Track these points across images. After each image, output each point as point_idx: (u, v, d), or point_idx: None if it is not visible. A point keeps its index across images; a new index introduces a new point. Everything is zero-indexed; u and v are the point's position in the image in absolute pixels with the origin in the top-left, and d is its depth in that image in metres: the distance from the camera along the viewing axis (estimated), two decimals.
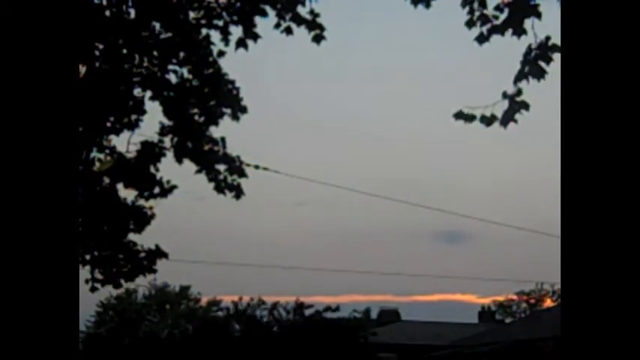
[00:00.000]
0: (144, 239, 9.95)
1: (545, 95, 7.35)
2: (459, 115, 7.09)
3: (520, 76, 6.80)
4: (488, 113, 7.00)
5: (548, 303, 54.37)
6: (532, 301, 57.25)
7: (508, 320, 52.40)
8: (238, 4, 8.36)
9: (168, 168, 9.29)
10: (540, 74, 6.75)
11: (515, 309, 58.01)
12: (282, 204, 61.22)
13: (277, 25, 8.08)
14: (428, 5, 7.41)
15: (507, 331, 35.06)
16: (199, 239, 54.40)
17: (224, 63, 8.92)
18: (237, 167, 9.33)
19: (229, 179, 9.33)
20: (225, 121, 9.13)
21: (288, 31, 8.06)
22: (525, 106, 6.91)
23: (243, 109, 9.11)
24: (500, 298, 57.72)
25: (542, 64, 6.74)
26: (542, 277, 56.30)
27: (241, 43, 8.24)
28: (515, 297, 57.60)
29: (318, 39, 8.05)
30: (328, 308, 32.44)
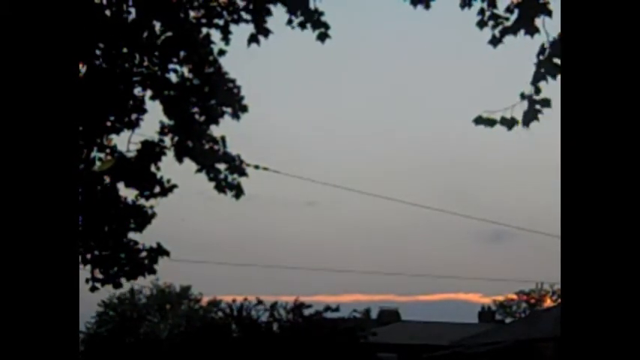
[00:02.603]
0: (148, 238, 9.96)
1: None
2: (479, 120, 6.96)
3: (538, 76, 6.75)
4: (507, 115, 6.91)
5: (548, 303, 54.39)
6: (532, 301, 57.26)
7: (508, 320, 52.40)
8: (244, 3, 8.35)
9: (176, 168, 9.28)
10: (556, 72, 6.71)
11: (515, 309, 58.02)
12: (289, 204, 61.28)
13: (289, 22, 8.03)
14: (427, 6, 7.39)
15: (507, 331, 35.05)
16: (205, 239, 54.57)
17: (224, 62, 8.93)
18: (237, 166, 9.33)
19: (230, 178, 9.33)
20: (234, 122, 9.12)
21: (303, 26, 7.99)
22: (547, 103, 6.84)
23: (244, 108, 9.11)
24: (501, 298, 57.81)
25: (557, 61, 6.70)
26: (542, 277, 56.40)
27: (253, 39, 8.20)
28: (515, 297, 57.66)
29: (322, 37, 8.02)
30: (328, 308, 32.42)
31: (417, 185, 61.29)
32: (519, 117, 6.92)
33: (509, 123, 6.93)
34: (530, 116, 6.86)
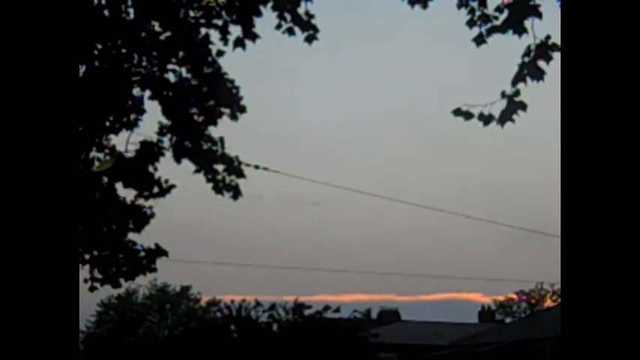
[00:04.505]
0: (147, 238, 9.93)
1: (546, 95, 7.37)
2: (458, 112, 7.10)
3: (519, 77, 6.80)
4: (486, 112, 7.01)
5: (548, 303, 54.41)
6: (532, 301, 57.25)
7: (508, 320, 52.41)
8: (237, 4, 8.34)
9: (177, 166, 9.24)
10: (539, 75, 6.75)
11: (515, 309, 58.02)
12: (290, 204, 61.35)
13: (278, 26, 8.06)
14: (425, 6, 7.40)
15: (507, 331, 35.05)
16: (206, 238, 54.64)
17: (223, 62, 8.92)
18: (235, 167, 9.30)
19: (227, 179, 9.30)
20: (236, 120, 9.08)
21: (290, 32, 8.04)
22: (523, 106, 6.91)
23: (242, 109, 9.09)
24: (501, 298, 57.82)
25: (542, 64, 6.74)
26: (542, 277, 56.44)
27: (239, 43, 8.23)
28: (515, 297, 57.66)
29: (310, 39, 8.07)
30: (327, 308, 32.37)
31: (418, 185, 61.34)
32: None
33: (486, 119, 7.01)
34: (506, 116, 6.92)
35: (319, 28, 8.02)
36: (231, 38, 8.42)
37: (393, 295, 67.73)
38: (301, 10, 7.97)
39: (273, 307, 32.73)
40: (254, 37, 8.22)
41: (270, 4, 8.08)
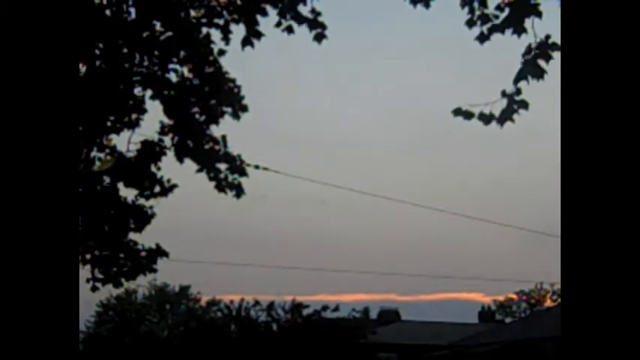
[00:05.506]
0: (148, 237, 9.95)
1: (546, 93, 7.36)
2: (458, 112, 7.10)
3: (520, 76, 6.79)
4: (487, 111, 7.01)
5: (548, 303, 54.40)
6: (532, 301, 57.24)
7: (508, 320, 52.39)
8: (240, 3, 8.33)
9: (178, 165, 9.23)
10: (539, 74, 6.75)
11: (515, 309, 58.00)
12: (291, 204, 61.29)
13: (278, 24, 8.03)
14: (427, 5, 7.39)
15: (507, 331, 35.06)
16: (206, 238, 54.64)
17: (225, 62, 8.91)
18: (237, 166, 9.30)
19: (230, 178, 9.31)
20: (237, 120, 9.07)
21: (290, 30, 8.02)
22: (525, 105, 6.91)
23: (244, 108, 9.09)
24: (501, 298, 57.81)
25: (542, 63, 6.74)
26: (542, 277, 56.39)
27: (247, 42, 8.19)
28: (515, 297, 57.64)
29: (319, 38, 8.02)
30: (326, 307, 32.36)
31: (418, 185, 61.31)
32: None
33: (486, 119, 7.01)
34: (506, 115, 6.91)
35: (327, 26, 7.96)
36: (234, 38, 8.41)
37: (394, 295, 67.71)
38: (307, 9, 7.93)
39: (270, 306, 32.73)
40: (259, 35, 8.19)
41: (270, 3, 8.06)
